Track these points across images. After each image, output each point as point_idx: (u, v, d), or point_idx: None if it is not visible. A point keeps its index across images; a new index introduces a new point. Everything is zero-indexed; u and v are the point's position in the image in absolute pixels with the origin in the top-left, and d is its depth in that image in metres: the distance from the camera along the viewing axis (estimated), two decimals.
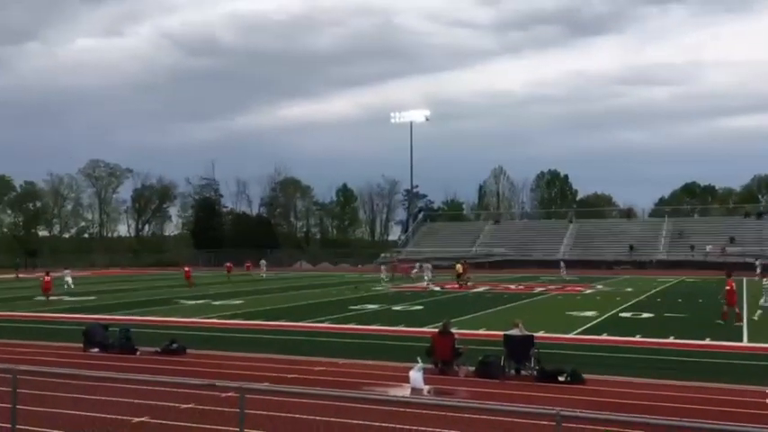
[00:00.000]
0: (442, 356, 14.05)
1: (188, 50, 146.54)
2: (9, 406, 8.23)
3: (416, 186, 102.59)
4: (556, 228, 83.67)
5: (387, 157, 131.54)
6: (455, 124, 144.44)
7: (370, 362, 15.31)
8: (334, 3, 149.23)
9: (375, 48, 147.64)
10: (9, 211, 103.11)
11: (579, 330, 20.95)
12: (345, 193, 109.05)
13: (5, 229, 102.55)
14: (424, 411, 9.92)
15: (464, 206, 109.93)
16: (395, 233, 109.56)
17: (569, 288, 40.26)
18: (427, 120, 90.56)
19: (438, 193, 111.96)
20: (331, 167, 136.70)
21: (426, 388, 12.31)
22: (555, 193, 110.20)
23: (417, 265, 51.69)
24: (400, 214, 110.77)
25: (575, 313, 25.67)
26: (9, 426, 8.21)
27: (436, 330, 15.21)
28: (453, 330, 15.21)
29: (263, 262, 59.79)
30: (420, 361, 13.17)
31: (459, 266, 42.63)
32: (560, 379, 12.99)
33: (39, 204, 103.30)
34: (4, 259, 77.65)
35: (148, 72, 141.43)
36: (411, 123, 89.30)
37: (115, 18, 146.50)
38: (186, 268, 46.53)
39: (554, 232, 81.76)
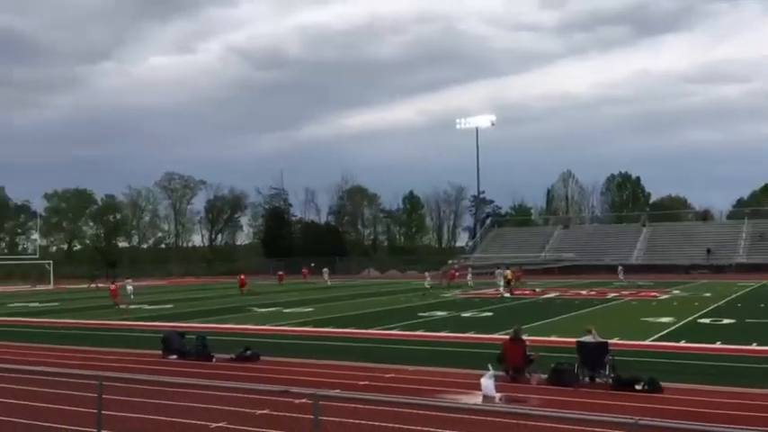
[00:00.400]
0: (514, 363, 13.90)
1: (255, 64, 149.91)
2: (95, 411, 8.60)
3: (483, 192, 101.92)
4: (628, 232, 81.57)
5: (452, 164, 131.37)
6: (521, 128, 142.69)
7: (441, 369, 15.28)
8: (395, 11, 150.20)
9: (437, 54, 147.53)
10: (91, 224, 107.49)
11: (655, 337, 20.36)
12: (412, 201, 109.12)
13: (88, 241, 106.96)
14: (497, 419, 9.84)
15: (532, 211, 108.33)
16: (462, 239, 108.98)
17: (644, 293, 39.15)
18: (493, 125, 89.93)
19: (505, 198, 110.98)
20: (397, 175, 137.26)
21: (498, 395, 12.21)
22: (626, 196, 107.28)
23: (469, 270, 51.55)
24: (467, 220, 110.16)
25: (650, 319, 24.95)
26: (95, 430, 8.57)
27: (507, 337, 15.07)
28: (524, 337, 15.03)
29: (325, 270, 60.61)
30: (491, 368, 13.08)
31: (508, 272, 42.12)
32: (637, 387, 12.66)
33: (118, 216, 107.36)
34: (87, 270, 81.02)
35: (218, 86, 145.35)
36: (477, 129, 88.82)
37: (186, 35, 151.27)
38: (241, 276, 47.64)
39: (626, 236, 79.72)
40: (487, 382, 12.39)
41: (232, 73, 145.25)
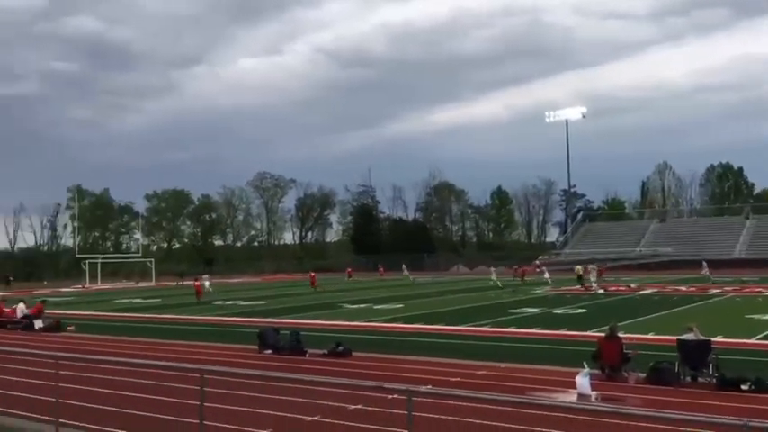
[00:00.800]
0: (610, 361, 13.51)
1: (341, 63, 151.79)
2: (198, 403, 8.95)
3: (574, 186, 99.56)
4: (730, 225, 77.73)
5: (541, 158, 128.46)
6: (612, 120, 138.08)
7: (533, 366, 15.04)
8: (479, 5, 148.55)
9: (523, 47, 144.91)
10: (188, 223, 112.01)
11: (762, 335, 19.31)
12: (500, 196, 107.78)
13: (186, 240, 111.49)
14: (593, 418, 9.59)
15: (626, 205, 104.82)
16: (552, 235, 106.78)
17: (748, 290, 37.21)
18: (584, 117, 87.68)
19: (597, 191, 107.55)
20: (484, 170, 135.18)
21: (594, 394, 11.90)
22: (728, 187, 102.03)
23: (543, 267, 50.53)
24: (558, 215, 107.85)
25: (756, 317, 23.70)
26: (197, 421, 8.92)
27: (602, 334, 14.67)
28: (620, 334, 14.57)
29: (404, 266, 61.10)
30: (586, 366, 12.77)
31: (578, 268, 42.97)
32: (743, 387, 12.06)
33: (214, 216, 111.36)
34: (186, 268, 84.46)
35: (305, 87, 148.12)
36: (566, 121, 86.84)
37: (273, 38, 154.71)
38: (312, 274, 49.60)
39: (728, 230, 75.99)
40: (583, 381, 12.10)
41: (318, 73, 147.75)
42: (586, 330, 20.57)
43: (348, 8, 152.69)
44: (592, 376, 12.43)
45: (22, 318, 25.96)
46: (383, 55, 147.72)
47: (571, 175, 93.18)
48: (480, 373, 14.33)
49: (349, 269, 63.44)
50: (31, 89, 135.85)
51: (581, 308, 28.99)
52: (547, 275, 48.54)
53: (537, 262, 68.87)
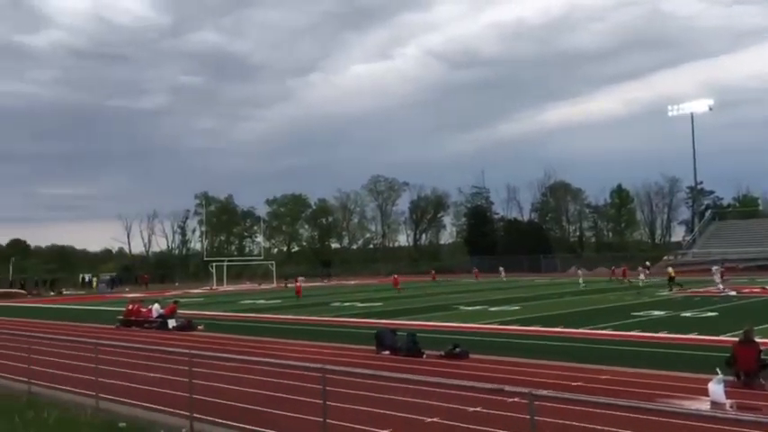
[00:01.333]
0: (746, 368, 12.71)
1: (452, 64, 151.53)
2: (320, 402, 9.21)
3: (701, 183, 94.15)
4: None
5: (664, 154, 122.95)
6: (741, 112, 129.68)
7: (660, 372, 14.37)
8: None
9: (641, 39, 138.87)
10: (306, 227, 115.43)
11: None
12: (620, 194, 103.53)
13: (304, 243, 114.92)
14: (728, 428, 9.08)
15: (759, 201, 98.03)
16: (678, 234, 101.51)
17: None
18: (710, 109, 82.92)
19: (727, 188, 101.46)
20: (602, 168, 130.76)
21: (728, 402, 11.23)
22: None
23: (640, 268, 48.04)
24: (683, 213, 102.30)
25: None
26: (321, 419, 9.18)
27: (736, 339, 13.81)
28: (757, 339, 13.67)
29: (501, 268, 60.33)
30: (720, 372, 12.07)
31: (670, 270, 42.43)
32: None
33: (330, 219, 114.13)
34: (305, 270, 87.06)
35: (416, 89, 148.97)
36: (692, 115, 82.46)
37: (384, 43, 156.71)
38: (395, 276, 51.32)
39: None
40: (716, 388, 11.45)
41: (429, 75, 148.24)
42: (718, 335, 19.47)
43: (457, 9, 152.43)
44: (726, 383, 11.73)
45: (156, 317, 27.66)
46: (494, 54, 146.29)
47: (697, 171, 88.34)
48: (603, 377, 13.86)
49: (476, 270, 63.15)
50: (160, 103, 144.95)
51: (711, 311, 27.43)
52: (642, 276, 46.17)
53: (647, 263, 66.49)
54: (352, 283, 66.11)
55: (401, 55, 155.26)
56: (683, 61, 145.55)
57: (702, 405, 11.27)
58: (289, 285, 59.19)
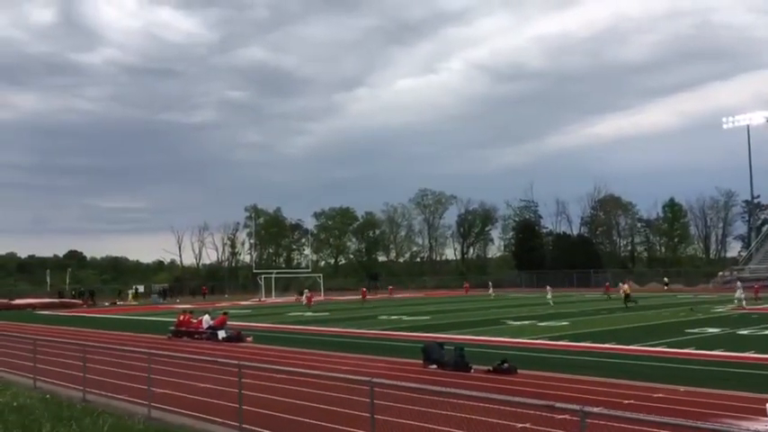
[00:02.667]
0: None
1: (497, 78, 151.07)
2: (368, 415, 9.22)
3: (758, 196, 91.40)
4: None
5: (718, 167, 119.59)
6: None
7: (716, 391, 13.96)
8: (642, 10, 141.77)
9: (691, 50, 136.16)
10: (353, 239, 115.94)
11: None
12: (673, 208, 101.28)
13: (351, 256, 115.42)
14: None
15: None
16: (734, 249, 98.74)
17: None
18: (767, 121, 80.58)
19: None
20: (654, 182, 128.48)
21: None
22: None
23: (621, 284, 47.81)
24: (740, 228, 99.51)
25: None
26: None
27: None
28: None
29: (548, 288, 59.56)
30: None
31: (626, 287, 44.14)
32: None
33: (377, 232, 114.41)
34: (352, 282, 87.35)
35: (462, 103, 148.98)
36: (748, 127, 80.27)
37: (429, 57, 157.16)
38: (363, 289, 54.55)
39: None
40: None
41: (474, 89, 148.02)
42: None
43: (502, 23, 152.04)
44: None
45: (207, 329, 28.11)
46: (540, 67, 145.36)
47: (754, 184, 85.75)
48: (657, 396, 13.54)
49: (466, 284, 62.87)
50: (209, 117, 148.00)
51: None
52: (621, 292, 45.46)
53: (665, 280, 71.84)
54: (399, 296, 66.01)
55: (446, 69, 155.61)
56: (736, 72, 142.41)
57: (760, 426, 10.90)
58: (299, 298, 59.95)
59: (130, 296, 71.04)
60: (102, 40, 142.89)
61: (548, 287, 52.26)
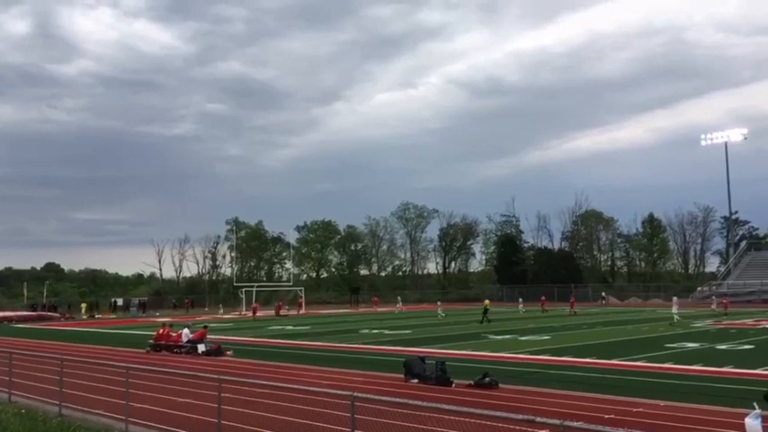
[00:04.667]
0: None
1: (475, 93, 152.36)
2: (349, 430, 9.16)
3: (736, 212, 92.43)
4: None
5: (696, 183, 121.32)
6: None
7: (695, 405, 14.04)
8: (615, 28, 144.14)
9: (665, 68, 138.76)
10: (335, 253, 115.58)
11: None
12: (652, 223, 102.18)
13: (333, 269, 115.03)
14: None
15: None
16: (712, 265, 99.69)
17: None
18: (745, 138, 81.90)
19: (763, 218, 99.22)
20: (634, 197, 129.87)
21: None
22: None
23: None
24: (718, 244, 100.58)
25: None
26: None
27: None
28: None
29: (520, 299, 60.12)
30: (757, 407, 11.73)
31: (486, 301, 45.94)
32: None
33: (359, 246, 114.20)
34: (334, 296, 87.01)
35: (441, 117, 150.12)
36: (726, 144, 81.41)
37: (407, 72, 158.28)
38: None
39: None
40: (753, 423, 11.10)
41: (454, 103, 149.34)
42: (755, 368, 19.00)
43: (479, 39, 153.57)
44: (763, 419, 11.40)
45: (186, 342, 27.84)
46: (518, 82, 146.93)
47: (732, 200, 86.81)
48: (637, 410, 13.59)
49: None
50: (188, 129, 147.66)
51: (748, 344, 26.79)
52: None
53: (603, 293, 73.56)
54: (380, 310, 65.92)
55: (425, 83, 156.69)
56: (709, 90, 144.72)
57: None
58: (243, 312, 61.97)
59: (83, 309, 68.76)
60: (78, 52, 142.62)
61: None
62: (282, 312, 62.04)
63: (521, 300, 61.09)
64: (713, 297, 47.21)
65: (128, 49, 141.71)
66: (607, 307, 63.20)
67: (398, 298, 69.49)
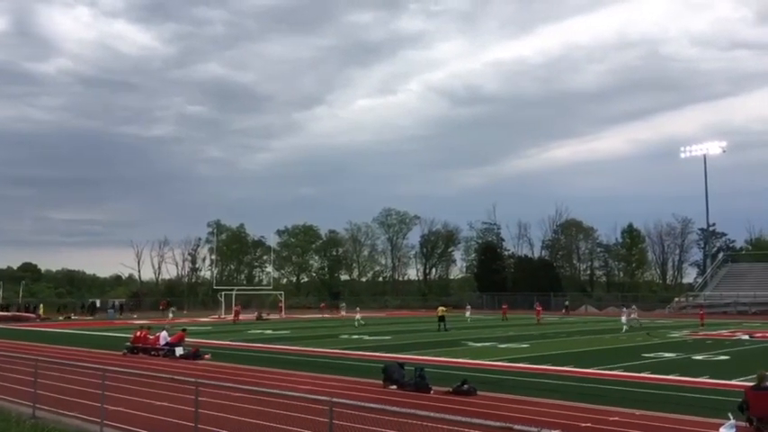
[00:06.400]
0: (759, 414, 12.48)
1: (455, 101, 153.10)
2: None
3: (713, 224, 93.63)
4: None
5: (675, 194, 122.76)
6: (750, 154, 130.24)
7: (671, 415, 14.15)
8: (592, 40, 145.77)
9: (642, 81, 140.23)
10: (316, 257, 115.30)
11: None
12: (631, 234, 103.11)
13: (314, 274, 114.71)
14: None
15: None
16: (690, 276, 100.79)
17: None
18: (724, 152, 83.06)
19: (740, 230, 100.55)
20: (613, 207, 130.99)
21: None
22: None
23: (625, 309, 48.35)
24: (696, 255, 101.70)
25: None
26: None
27: (749, 384, 13.61)
28: None
29: (468, 307, 60.00)
30: (732, 417, 11.89)
31: (442, 308, 45.28)
32: None
33: (340, 251, 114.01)
34: (313, 301, 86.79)
35: (421, 125, 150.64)
36: (705, 156, 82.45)
37: (388, 78, 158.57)
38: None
39: None
40: None
41: (433, 111, 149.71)
42: (731, 379, 19.20)
43: (459, 48, 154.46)
44: (738, 429, 11.54)
45: (164, 345, 27.60)
46: (497, 92, 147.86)
47: (710, 212, 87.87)
48: (613, 419, 13.67)
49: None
50: (168, 131, 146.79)
51: (724, 354, 27.08)
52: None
53: (566, 303, 74.85)
54: (360, 315, 65.78)
55: (406, 90, 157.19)
56: (685, 103, 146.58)
57: None
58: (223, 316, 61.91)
59: (41, 309, 66.94)
60: (56, 50, 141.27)
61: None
62: (264, 316, 61.91)
63: (468, 306, 61.39)
64: (624, 308, 47.47)
65: (107, 49, 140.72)
66: (566, 317, 63.35)
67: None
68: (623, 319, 42.04)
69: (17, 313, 64.47)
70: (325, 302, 78.34)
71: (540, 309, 55.48)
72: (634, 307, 46.37)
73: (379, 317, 65.71)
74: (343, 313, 67.31)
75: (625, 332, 39.48)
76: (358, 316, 51.58)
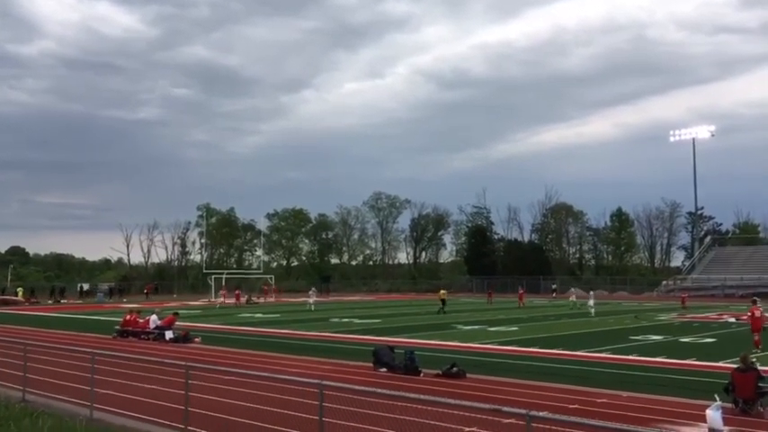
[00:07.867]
0: (744, 395, 12.67)
1: (442, 84, 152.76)
2: (316, 418, 9.18)
3: (701, 208, 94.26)
4: None
5: (663, 178, 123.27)
6: (736, 138, 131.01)
7: (658, 397, 14.33)
8: (579, 23, 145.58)
9: (629, 64, 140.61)
10: (306, 241, 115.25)
11: None
12: (620, 218, 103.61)
13: (304, 257, 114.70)
14: None
15: (760, 228, 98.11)
16: (678, 259, 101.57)
17: None
18: (713, 135, 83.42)
19: (727, 214, 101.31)
20: (603, 191, 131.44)
21: (726, 429, 11.18)
22: None
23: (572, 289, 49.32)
24: (683, 238, 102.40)
25: None
26: None
27: (735, 366, 13.77)
28: (759, 367, 13.61)
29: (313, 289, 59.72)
30: (717, 399, 12.03)
31: (443, 291, 46.11)
32: None
33: (330, 234, 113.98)
34: (303, 284, 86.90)
35: (411, 107, 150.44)
36: (693, 141, 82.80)
37: (375, 61, 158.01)
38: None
39: None
40: (714, 414, 11.39)
41: (421, 94, 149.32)
42: (717, 361, 19.43)
43: (445, 31, 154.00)
44: (724, 410, 11.68)
45: (154, 329, 27.58)
46: (484, 75, 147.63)
47: (698, 196, 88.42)
48: (601, 401, 13.82)
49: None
50: (154, 114, 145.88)
51: (710, 337, 27.37)
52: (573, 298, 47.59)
53: (572, 290, 72.35)
54: (350, 299, 65.97)
55: (392, 74, 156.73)
56: (671, 87, 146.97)
57: (700, 431, 11.22)
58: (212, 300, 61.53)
59: (20, 294, 65.04)
60: (39, 32, 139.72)
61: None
62: (254, 299, 61.78)
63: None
64: (571, 289, 48.58)
65: (90, 32, 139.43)
66: (555, 300, 63.47)
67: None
68: (590, 302, 42.36)
69: (4, 297, 64.09)
70: (267, 285, 72.95)
71: (522, 293, 55.17)
72: (572, 290, 46.88)
73: (369, 300, 65.87)
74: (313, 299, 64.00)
75: (594, 315, 39.79)
76: (311, 300, 50.22)
